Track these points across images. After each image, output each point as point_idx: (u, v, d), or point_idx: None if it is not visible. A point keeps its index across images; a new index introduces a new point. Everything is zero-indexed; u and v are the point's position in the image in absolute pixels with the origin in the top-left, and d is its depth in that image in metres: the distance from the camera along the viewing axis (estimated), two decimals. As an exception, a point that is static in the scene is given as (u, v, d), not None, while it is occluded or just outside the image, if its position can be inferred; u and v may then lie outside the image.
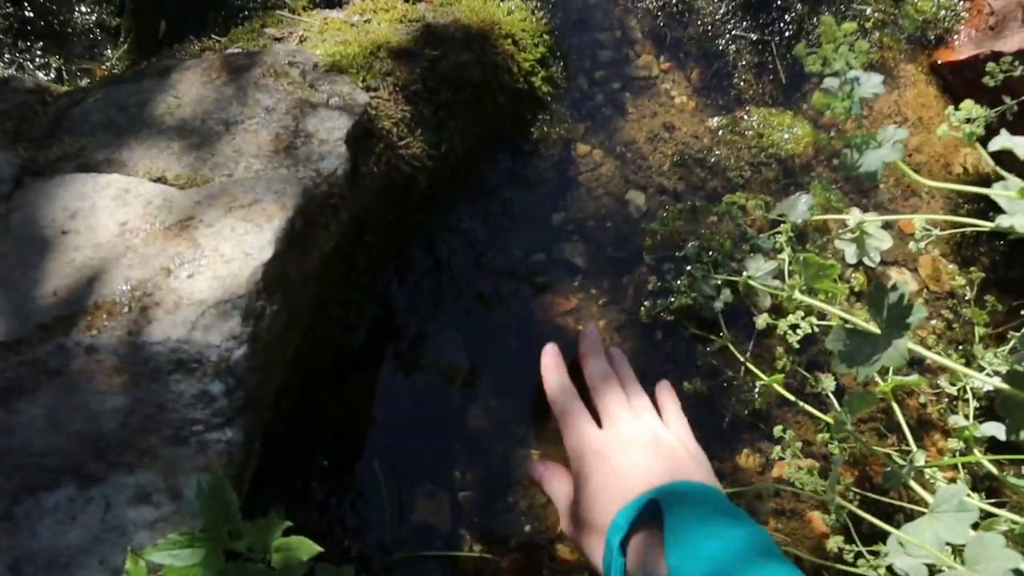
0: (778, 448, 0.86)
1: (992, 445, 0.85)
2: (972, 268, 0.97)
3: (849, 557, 0.80)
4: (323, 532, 0.83)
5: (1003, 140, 0.72)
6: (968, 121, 0.77)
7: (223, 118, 0.77)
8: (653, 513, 0.66)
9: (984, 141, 0.74)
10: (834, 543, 0.80)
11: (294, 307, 0.72)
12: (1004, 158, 0.75)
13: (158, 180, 0.74)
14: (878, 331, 0.75)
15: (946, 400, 0.92)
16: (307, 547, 0.65)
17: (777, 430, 0.86)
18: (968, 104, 0.74)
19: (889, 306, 0.75)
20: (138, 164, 0.75)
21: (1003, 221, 0.79)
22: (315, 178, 0.72)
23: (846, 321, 0.77)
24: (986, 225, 0.79)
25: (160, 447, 0.64)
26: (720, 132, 1.03)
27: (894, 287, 0.74)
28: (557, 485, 0.78)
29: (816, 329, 0.88)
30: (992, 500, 0.84)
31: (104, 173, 0.74)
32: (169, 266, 0.66)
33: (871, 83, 0.77)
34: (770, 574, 0.59)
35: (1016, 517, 0.74)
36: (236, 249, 0.67)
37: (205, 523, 0.62)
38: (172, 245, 0.67)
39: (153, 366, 0.63)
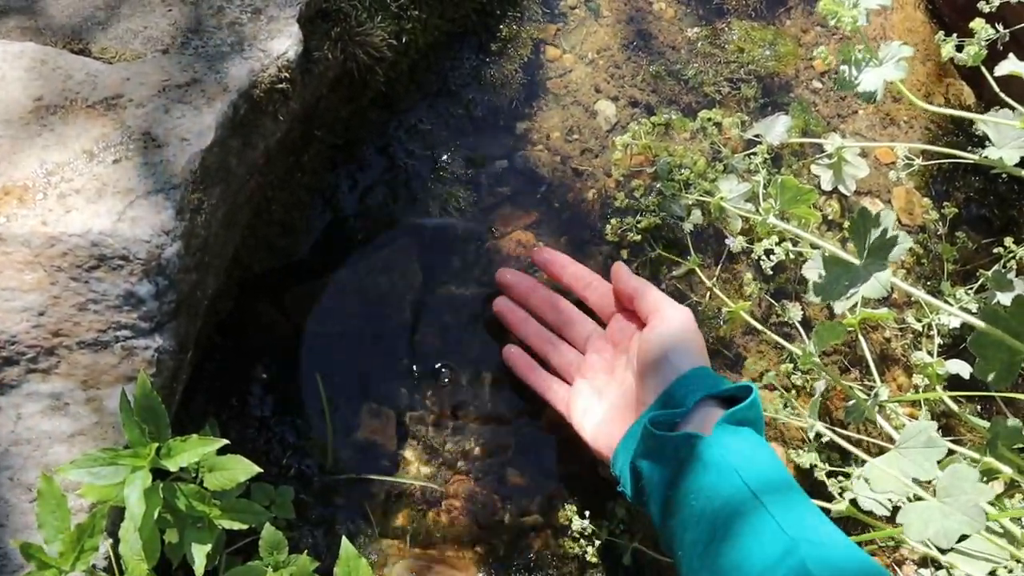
0: (746, 379, 0.83)
1: (951, 384, 0.84)
2: (946, 203, 0.94)
3: (821, 476, 0.79)
4: (260, 450, 0.77)
5: (1011, 65, 0.68)
6: (959, 48, 0.73)
7: (157, -15, 0.67)
8: None
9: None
10: (807, 460, 0.78)
11: (234, 203, 0.65)
12: (998, 86, 0.71)
13: (80, 52, 0.65)
14: (857, 261, 0.72)
15: (911, 336, 0.90)
16: (244, 467, 0.59)
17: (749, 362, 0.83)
18: (978, 23, 0.69)
19: (872, 235, 0.71)
20: (57, 33, 0.66)
21: (991, 153, 0.75)
22: (263, 59, 0.64)
23: (821, 248, 0.73)
24: (970, 157, 0.76)
25: (79, 353, 0.57)
26: (699, 44, 0.96)
27: (878, 216, 0.71)
28: None
29: (792, 256, 0.85)
30: (948, 438, 0.83)
31: (16, 41, 0.64)
32: (92, 149, 0.58)
33: (878, -8, 0.71)
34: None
35: (975, 455, 0.73)
36: (170, 133, 0.59)
37: (130, 438, 0.55)
38: (96, 126, 0.59)
39: (72, 261, 0.55)
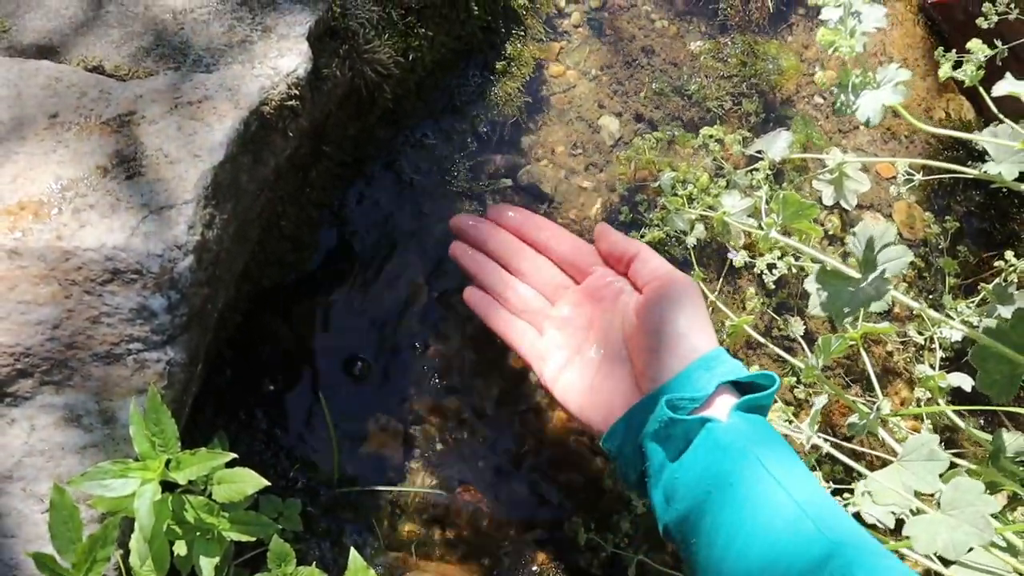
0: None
1: (953, 397, 0.84)
2: (947, 217, 0.94)
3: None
4: (267, 463, 0.78)
5: (1009, 85, 0.68)
6: (956, 66, 0.74)
7: (170, 5, 0.69)
8: None
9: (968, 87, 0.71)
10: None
11: (245, 218, 0.66)
12: (996, 103, 0.72)
13: (94, 70, 0.66)
14: (858, 275, 0.73)
15: (912, 349, 0.91)
16: (252, 479, 0.60)
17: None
18: (976, 43, 0.70)
19: (873, 249, 0.72)
20: (71, 52, 0.67)
21: (990, 168, 0.76)
22: (273, 76, 0.65)
23: (823, 263, 0.74)
24: (971, 172, 0.76)
25: (92, 365, 0.57)
26: (701, 59, 0.97)
27: (881, 231, 0.71)
28: None
29: (794, 270, 0.85)
30: (951, 451, 0.83)
31: (32, 59, 0.65)
32: (106, 165, 0.59)
33: (874, 17, 0.72)
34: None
35: (977, 468, 0.73)
36: (183, 150, 0.60)
37: (140, 451, 0.56)
38: (110, 142, 0.60)
39: (86, 275, 0.56)
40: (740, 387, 0.63)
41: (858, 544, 0.52)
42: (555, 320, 0.73)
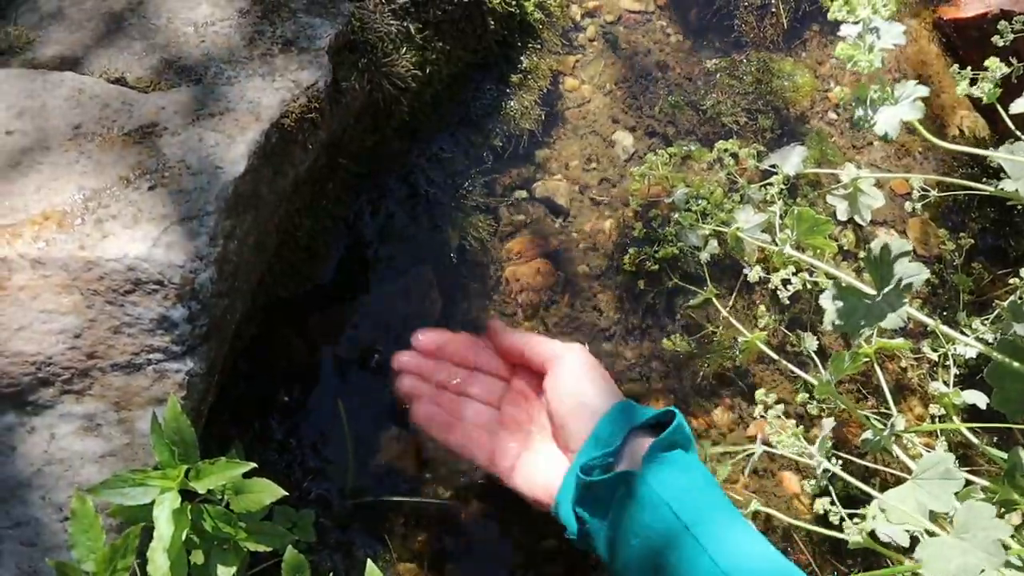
0: (759, 407, 0.84)
1: (968, 414, 0.84)
2: (962, 234, 0.95)
3: (835, 519, 0.78)
4: (281, 473, 0.78)
5: (1027, 103, 0.69)
6: (972, 82, 0.74)
7: (191, 18, 0.69)
8: None
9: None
10: (820, 505, 0.78)
11: (264, 229, 0.67)
12: (1013, 121, 0.72)
13: (117, 82, 0.66)
14: (874, 291, 0.73)
15: (927, 366, 0.91)
16: (270, 489, 0.60)
17: (759, 394, 0.83)
18: (993, 62, 0.70)
19: (889, 266, 0.72)
20: (94, 64, 0.67)
21: (1007, 185, 0.76)
22: (293, 89, 0.66)
23: (838, 279, 0.74)
24: (986, 189, 0.76)
25: (112, 375, 0.58)
26: (716, 75, 0.98)
27: (896, 247, 0.72)
28: None
29: (808, 286, 0.85)
30: (965, 468, 0.83)
31: (55, 71, 0.66)
32: (128, 176, 0.59)
33: (892, 33, 0.72)
34: None
35: (992, 485, 0.73)
36: (204, 161, 0.60)
37: (160, 460, 0.56)
38: (132, 153, 0.61)
39: (108, 285, 0.56)
40: (655, 427, 0.66)
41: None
42: (504, 421, 0.76)
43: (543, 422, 0.74)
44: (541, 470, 0.71)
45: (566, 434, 0.69)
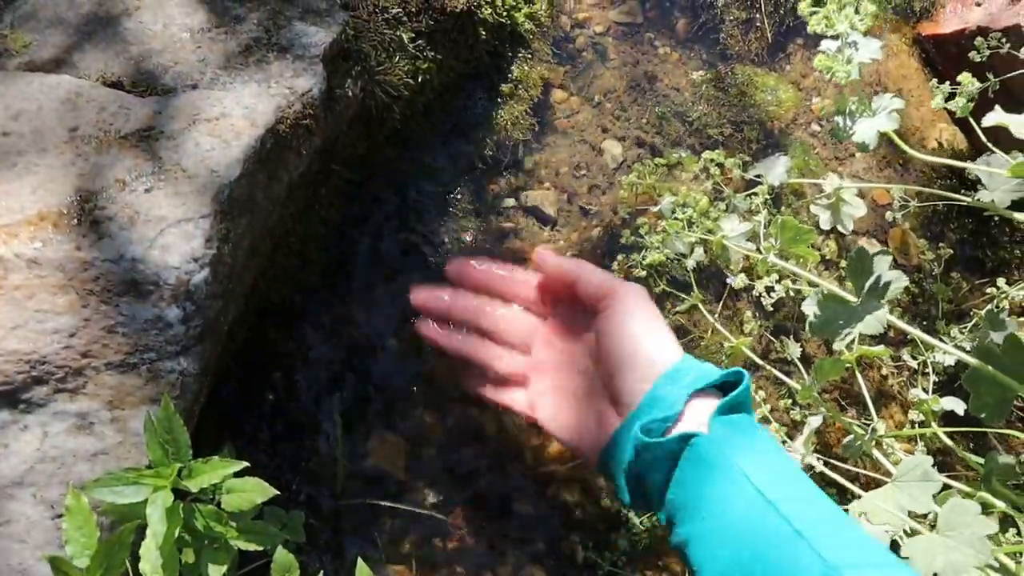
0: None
1: (946, 420, 0.86)
2: (940, 244, 0.97)
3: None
4: (270, 475, 0.78)
5: (997, 116, 0.70)
6: (950, 97, 0.76)
7: (188, 24, 0.70)
8: None
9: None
10: None
11: (258, 233, 0.68)
12: (987, 134, 0.74)
13: (114, 85, 0.67)
14: (855, 299, 0.74)
15: (907, 373, 0.93)
16: (261, 488, 0.61)
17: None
18: (966, 77, 0.72)
19: (869, 274, 0.74)
20: (91, 67, 0.68)
21: (983, 196, 0.78)
22: (288, 96, 0.67)
23: (820, 287, 0.76)
24: (964, 200, 0.78)
25: (106, 374, 0.59)
26: (703, 87, 1.00)
27: (876, 255, 0.73)
28: None
29: (792, 293, 0.87)
30: (944, 473, 0.84)
31: (52, 74, 0.67)
32: (125, 178, 0.60)
33: (869, 48, 0.74)
34: None
35: (969, 489, 0.75)
36: (200, 165, 0.61)
37: (153, 458, 0.57)
38: (128, 156, 0.62)
39: (103, 285, 0.57)
40: (716, 385, 0.61)
41: (861, 563, 0.50)
42: (535, 367, 0.72)
43: (585, 368, 0.67)
44: (583, 422, 0.66)
45: (622, 388, 0.62)
